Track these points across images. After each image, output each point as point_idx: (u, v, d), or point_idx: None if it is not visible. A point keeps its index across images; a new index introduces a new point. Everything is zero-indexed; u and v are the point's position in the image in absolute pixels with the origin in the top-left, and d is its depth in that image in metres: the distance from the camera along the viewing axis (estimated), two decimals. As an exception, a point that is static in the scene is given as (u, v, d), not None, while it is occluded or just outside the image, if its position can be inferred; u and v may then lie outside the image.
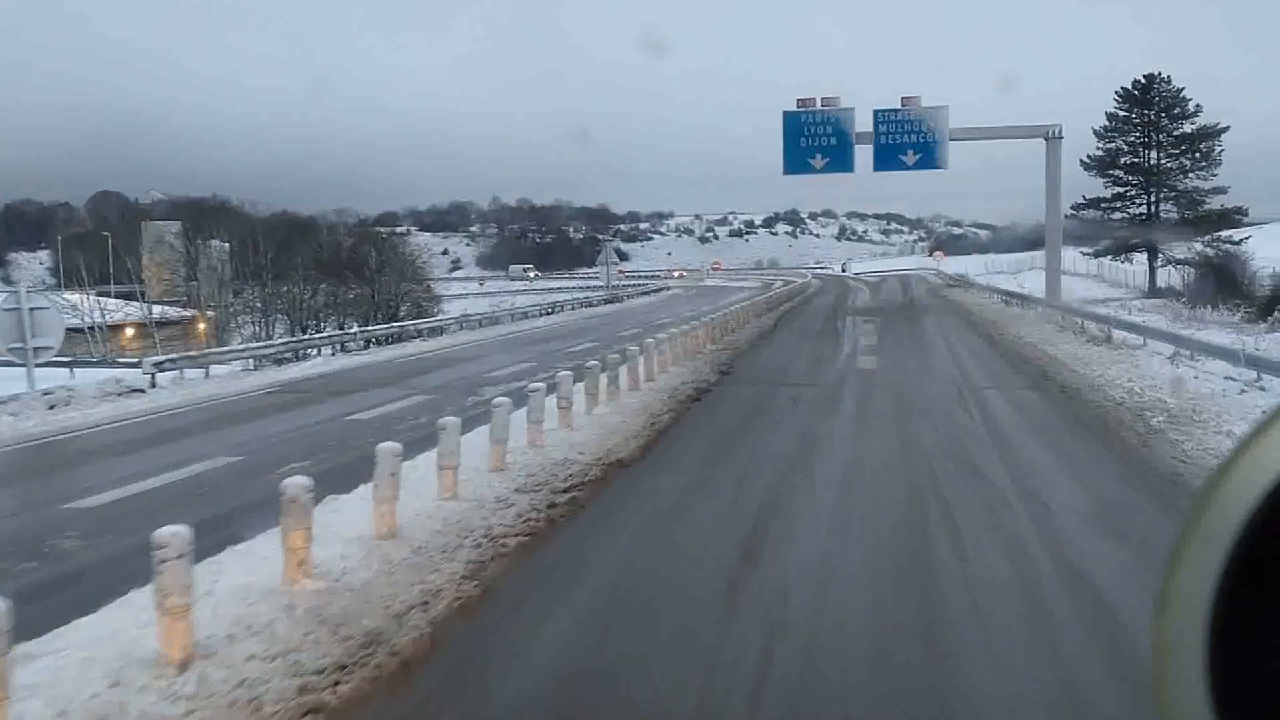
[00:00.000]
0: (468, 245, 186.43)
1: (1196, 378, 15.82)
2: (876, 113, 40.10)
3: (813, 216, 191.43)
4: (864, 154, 40.37)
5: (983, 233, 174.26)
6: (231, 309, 57.51)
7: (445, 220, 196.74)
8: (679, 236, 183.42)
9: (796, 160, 40.78)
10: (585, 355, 23.03)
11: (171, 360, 20.35)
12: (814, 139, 40.45)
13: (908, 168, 40.13)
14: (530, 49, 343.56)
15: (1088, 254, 55.59)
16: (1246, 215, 50.37)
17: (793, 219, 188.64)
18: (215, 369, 22.01)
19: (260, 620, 6.24)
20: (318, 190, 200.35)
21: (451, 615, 6.24)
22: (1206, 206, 49.93)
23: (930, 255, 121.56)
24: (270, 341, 27.02)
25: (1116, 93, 51.87)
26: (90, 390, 17.38)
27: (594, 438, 11.77)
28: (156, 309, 58.04)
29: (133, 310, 57.97)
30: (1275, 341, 23.26)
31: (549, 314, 41.84)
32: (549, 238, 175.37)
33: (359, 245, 64.46)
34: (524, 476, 9.90)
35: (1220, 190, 49.65)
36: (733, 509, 8.62)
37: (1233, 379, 15.48)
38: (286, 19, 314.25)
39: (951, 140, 39.63)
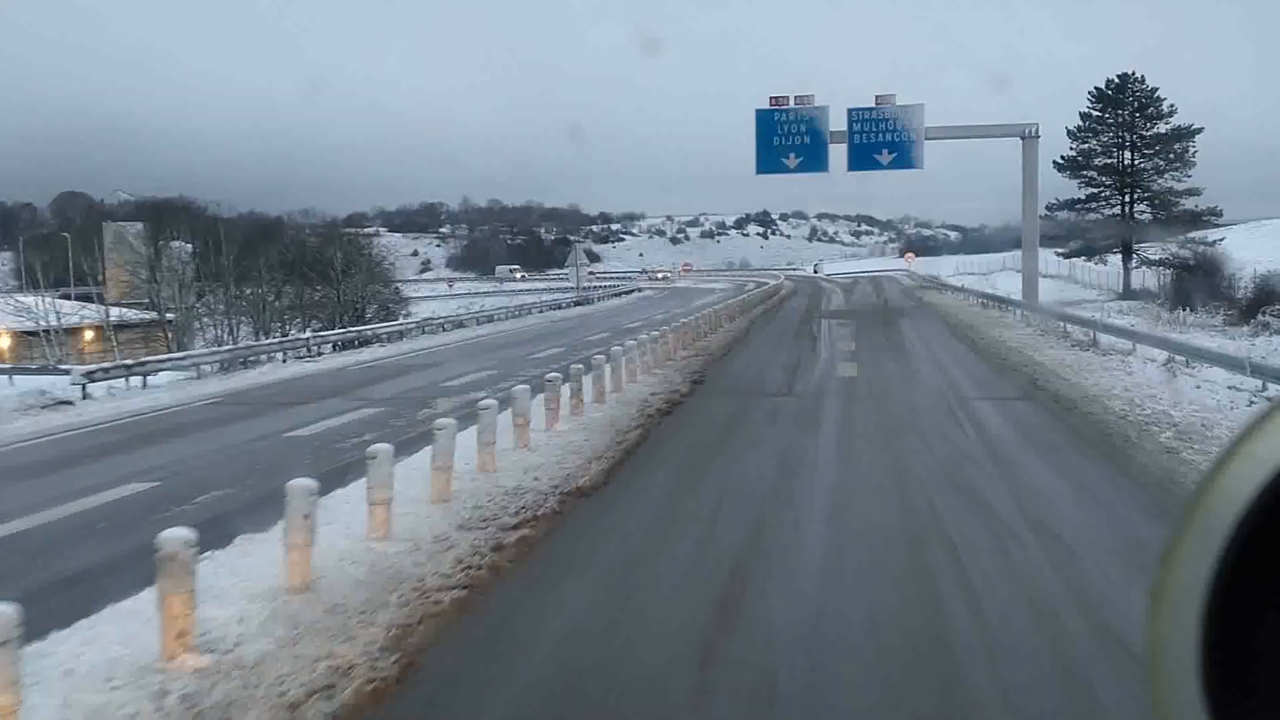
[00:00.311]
0: (438, 246, 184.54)
1: (1198, 387, 14.85)
2: (851, 111, 39.13)
3: (784, 218, 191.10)
4: (838, 153, 39.40)
5: (952, 234, 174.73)
6: (195, 311, 55.89)
7: (415, 221, 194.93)
8: (650, 238, 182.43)
9: (769, 160, 39.73)
10: (550, 362, 21.83)
11: (104, 369, 18.87)
12: (787, 138, 39.43)
13: (882, 167, 39.20)
14: (503, 51, 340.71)
15: (1061, 255, 54.96)
16: (1220, 216, 49.96)
17: (764, 220, 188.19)
18: (159, 377, 20.58)
19: (119, 715, 4.99)
20: (287, 191, 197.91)
21: (360, 704, 5.01)
22: (1181, 207, 49.40)
23: (901, 257, 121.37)
24: (215, 349, 25.50)
25: (1090, 93, 51.33)
26: (10, 403, 15.94)
27: (552, 459, 10.56)
28: (116, 311, 56.22)
29: (90, 313, 56.11)
30: (1271, 346, 22.46)
31: (516, 317, 40.52)
32: (520, 239, 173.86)
33: (324, 246, 63.01)
34: (470, 509, 8.68)
35: (1194, 191, 49.16)
36: (706, 553, 7.44)
37: (1236, 388, 14.53)
38: (260, 22, 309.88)
39: (927, 139, 38.72)
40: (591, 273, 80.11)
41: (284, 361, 23.74)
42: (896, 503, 9.11)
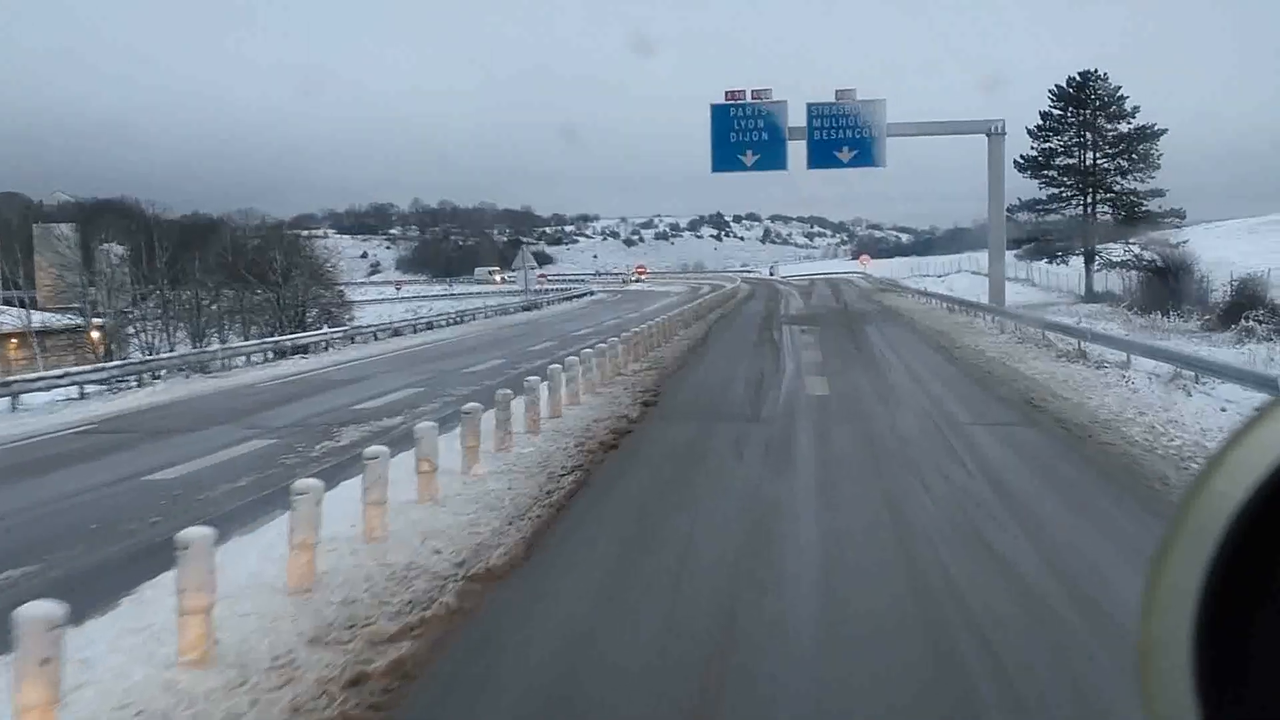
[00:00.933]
0: (387, 248, 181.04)
1: (1223, 409, 12.88)
2: (810, 106, 37.24)
3: (738, 219, 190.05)
4: (797, 151, 37.52)
5: (904, 237, 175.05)
6: (128, 316, 52.75)
7: (365, 223, 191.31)
8: (604, 239, 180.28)
9: (725, 157, 37.71)
10: (486, 376, 19.47)
11: (-41, 391, 16.16)
12: (744, 134, 37.44)
13: (843, 165, 37.36)
14: (456, 52, 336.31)
15: (1022, 256, 53.60)
16: (1184, 218, 48.86)
17: (718, 222, 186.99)
18: (36, 397, 17.89)
19: None
20: (236, 192, 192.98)
21: None
22: (1144, 209, 48.22)
23: (855, 259, 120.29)
24: (102, 364, 22.68)
25: (1051, 91, 49.99)
26: None
27: (462, 520, 8.22)
28: (40, 316, 52.75)
29: (9, 319, 52.55)
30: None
31: (458, 323, 37.99)
32: (471, 240, 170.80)
33: (264, 247, 60.04)
34: (336, 604, 6.33)
35: (1158, 193, 48.02)
36: (659, 673, 5.18)
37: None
38: (208, 21, 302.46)
39: (889, 136, 36.96)
40: (542, 275, 77.62)
41: (187, 378, 21.07)
42: (904, 569, 6.95)
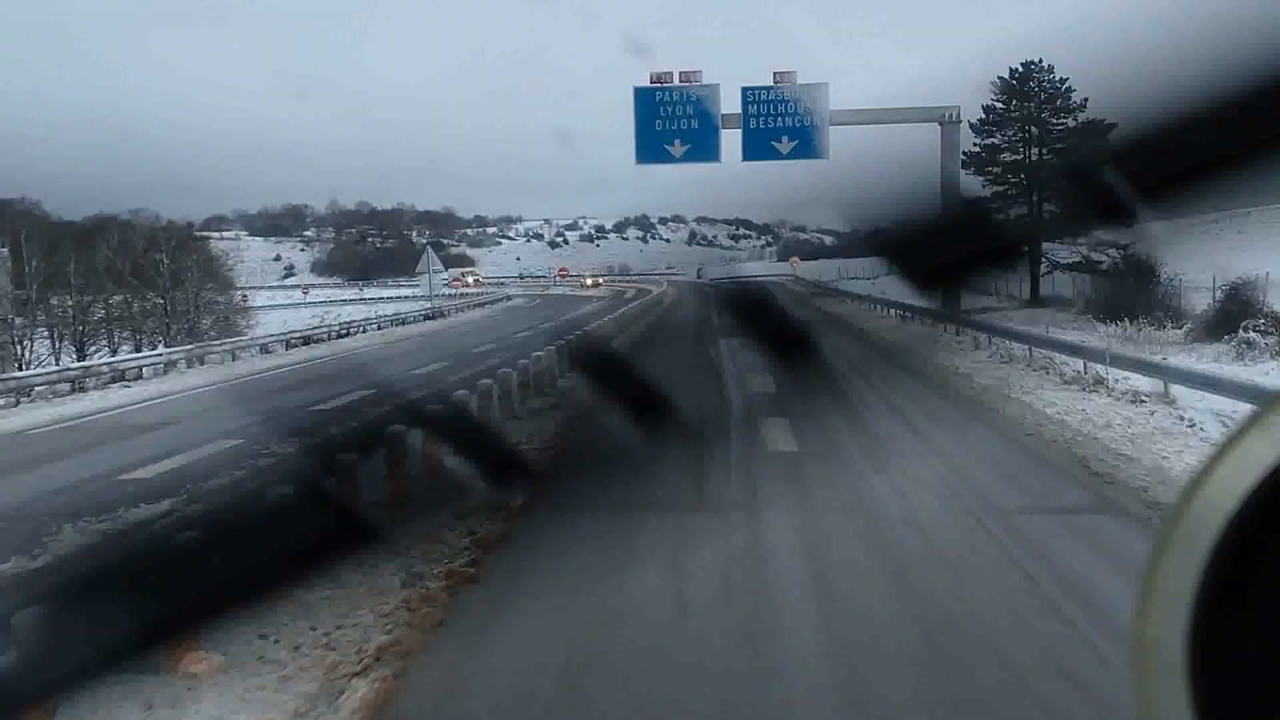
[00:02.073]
0: (302, 250, 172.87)
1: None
2: (745, 91, 32.78)
3: (663, 221, 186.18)
4: (731, 141, 33.01)
5: (827, 238, 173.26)
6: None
7: (279, 225, 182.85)
8: (528, 241, 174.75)
9: (651, 147, 33.02)
10: (333, 419, 14.42)
11: None
12: (672, 121, 32.79)
13: (782, 157, 32.93)
14: (372, 51, 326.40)
15: (966, 259, 50.02)
16: (1134, 217, 45.49)
17: (643, 224, 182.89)
18: None
19: None
20: (144, 193, 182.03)
21: None
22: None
23: (780, 261, 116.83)
24: None
25: (993, 83, 46.38)
26: None
27: None
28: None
29: None
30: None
31: (342, 337, 32.55)
32: (389, 242, 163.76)
33: (149, 250, 53.77)
34: None
35: (1106, 190, 44.64)
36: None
37: None
38: (108, 18, 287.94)
39: (833, 125, 32.67)
40: (457, 280, 72.05)
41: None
42: None
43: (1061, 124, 45.28)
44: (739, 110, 32.59)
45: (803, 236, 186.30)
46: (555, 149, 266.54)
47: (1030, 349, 19.53)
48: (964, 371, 18.07)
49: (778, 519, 8.43)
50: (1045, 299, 43.56)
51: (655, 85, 32.75)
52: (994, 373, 17.72)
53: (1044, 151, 45.69)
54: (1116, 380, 15.30)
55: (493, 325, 36.69)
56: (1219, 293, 27.29)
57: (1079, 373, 16.48)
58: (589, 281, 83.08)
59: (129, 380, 20.69)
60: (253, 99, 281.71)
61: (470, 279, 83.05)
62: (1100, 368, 16.04)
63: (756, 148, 32.72)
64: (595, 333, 24.66)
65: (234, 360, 25.50)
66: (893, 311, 34.57)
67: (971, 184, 48.29)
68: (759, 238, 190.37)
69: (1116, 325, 31.79)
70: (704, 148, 32.83)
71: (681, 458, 10.88)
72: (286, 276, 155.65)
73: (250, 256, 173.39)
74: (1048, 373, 17.23)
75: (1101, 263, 44.03)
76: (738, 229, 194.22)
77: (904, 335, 25.87)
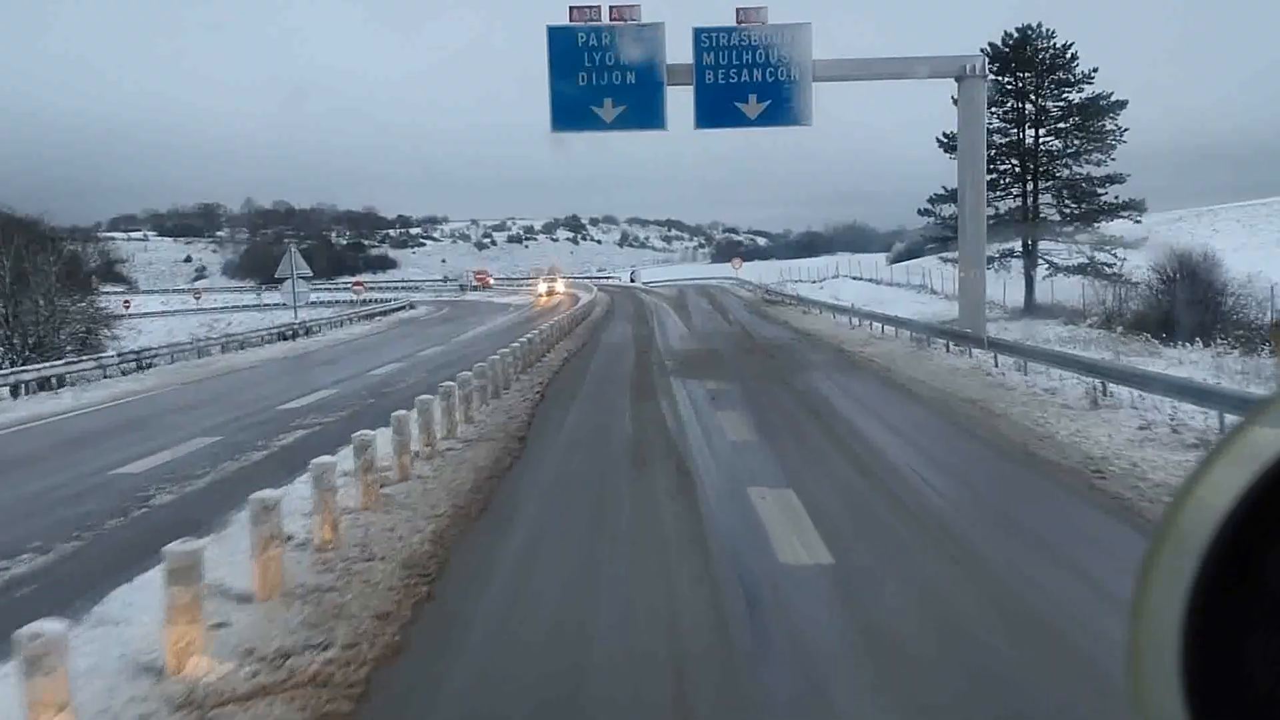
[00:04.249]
0: (214, 252, 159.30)
1: None
2: (699, 33, 23.43)
3: (594, 222, 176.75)
4: (682, 102, 23.68)
5: (761, 240, 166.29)
6: None
7: (191, 225, 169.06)
8: (454, 242, 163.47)
9: (572, 108, 23.51)
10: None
11: None
12: (600, 73, 23.33)
13: (749, 122, 23.64)
14: (282, 49, 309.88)
15: (949, 261, 41.40)
16: (1144, 211, 37.50)
17: (574, 225, 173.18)
18: None
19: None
20: (46, 194, 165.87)
21: None
22: (1099, 199, 36.69)
23: (714, 262, 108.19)
24: None
25: (984, 50, 37.74)
26: None
27: None
28: None
29: None
30: None
31: (142, 367, 22.33)
32: (307, 243, 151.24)
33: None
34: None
35: (1116, 179, 36.44)
36: None
37: None
38: (18, 13, 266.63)
39: (817, 81, 23.52)
40: (359, 283, 61.49)
41: None
42: None
43: (1064, 100, 37.08)
44: (691, 60, 23.30)
45: (735, 238, 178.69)
46: (482, 147, 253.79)
47: (1100, 384, 10.52)
48: (1028, 424, 8.92)
49: None
50: (1041, 307, 35.27)
51: (577, 24, 23.25)
52: (1063, 424, 8.61)
53: (1042, 132, 37.46)
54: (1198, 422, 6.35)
55: (360, 350, 26.68)
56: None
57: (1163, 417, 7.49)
58: (543, 290, 59.04)
59: None
60: (169, 92, 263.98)
61: (482, 281, 66.93)
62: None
63: (715, 110, 23.43)
64: (508, 360, 15.23)
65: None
66: (883, 328, 25.55)
67: (950, 171, 40.00)
68: (691, 239, 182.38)
69: (1146, 341, 23.48)
70: (644, 110, 23.43)
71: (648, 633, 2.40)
72: (198, 279, 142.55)
73: (159, 258, 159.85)
74: (1113, 412, 8.33)
75: (1110, 265, 35.89)
76: (670, 230, 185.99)
77: (917, 367, 16.69)
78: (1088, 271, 35.60)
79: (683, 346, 24.12)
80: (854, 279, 64.70)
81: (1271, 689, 0.60)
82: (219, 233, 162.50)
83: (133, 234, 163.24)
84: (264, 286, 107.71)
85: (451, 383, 12.29)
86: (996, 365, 17.37)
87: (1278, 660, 0.59)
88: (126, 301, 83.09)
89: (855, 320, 28.81)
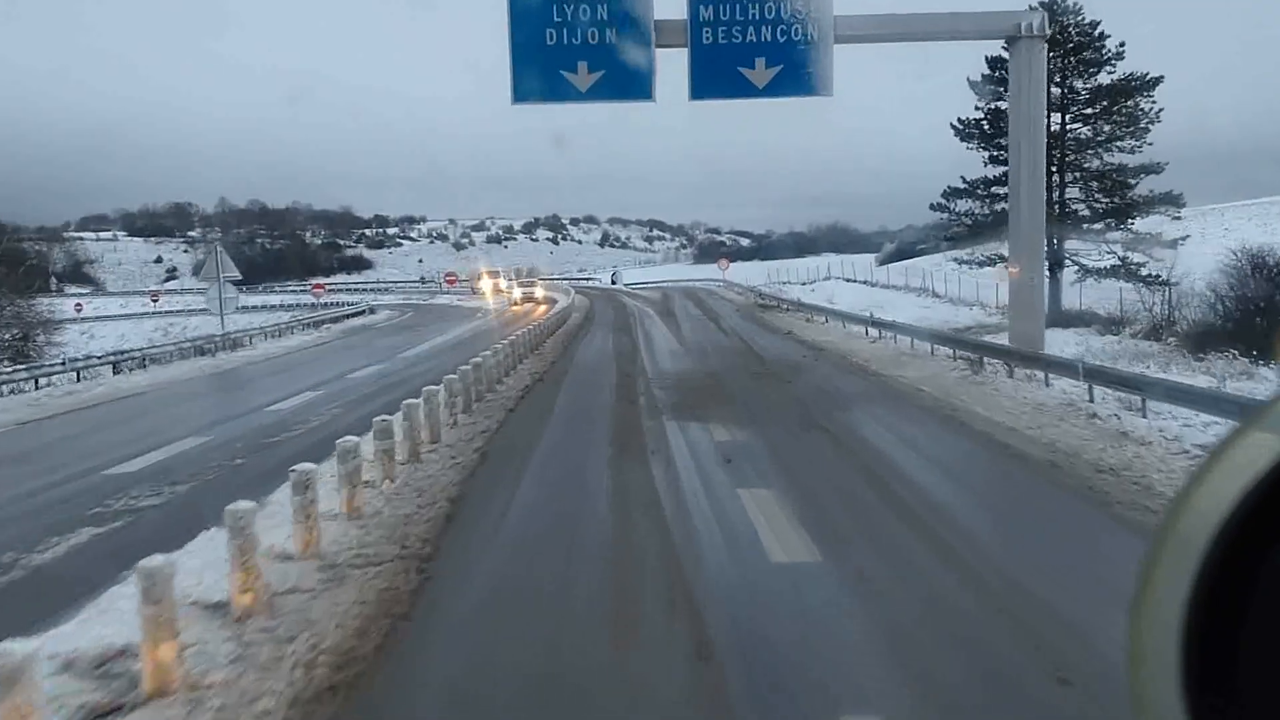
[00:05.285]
0: (185, 252, 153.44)
1: None
2: (695, -17, 18.77)
3: (575, 222, 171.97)
4: (674, 66, 19.03)
5: (743, 240, 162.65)
6: None
7: (162, 225, 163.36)
8: (432, 242, 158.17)
9: (538, 75, 18.80)
10: None
11: None
12: (573, 30, 18.63)
13: (756, 91, 18.96)
14: (265, 47, 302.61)
15: (965, 263, 36.92)
16: (1183, 205, 33.19)
17: (554, 225, 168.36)
18: None
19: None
20: (14, 193, 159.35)
21: None
22: (1133, 193, 32.30)
23: (702, 263, 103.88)
24: None
25: (1042, 3, 33.22)
26: None
27: None
28: None
29: None
30: None
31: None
32: (280, 243, 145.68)
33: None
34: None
35: (1151, 169, 32.03)
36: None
37: None
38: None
39: (839, 43, 18.93)
40: (319, 285, 56.49)
41: None
42: None
43: (1092, 82, 32.73)
44: (685, 15, 18.65)
45: (717, 238, 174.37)
46: (460, 146, 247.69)
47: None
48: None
49: None
50: (1070, 314, 30.90)
51: (544, -29, 18.52)
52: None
53: (1068, 118, 33.09)
54: None
55: (283, 370, 21.82)
56: None
57: None
58: (517, 296, 49.63)
59: None
60: (144, 91, 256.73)
61: (495, 281, 57.03)
62: None
63: (714, 77, 18.76)
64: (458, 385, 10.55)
65: None
66: (911, 342, 20.97)
67: (970, 161, 35.58)
68: (673, 239, 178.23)
69: (1224, 360, 19.30)
70: (626, 76, 18.73)
71: None
72: (169, 279, 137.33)
73: (130, 258, 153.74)
74: None
75: (1143, 265, 31.57)
76: (651, 230, 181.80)
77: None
78: (1122, 274, 31.30)
79: (675, 367, 19.38)
80: (847, 281, 60.46)
81: (1271, 690, 0.59)
82: (191, 233, 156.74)
83: (102, 234, 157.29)
84: (241, 288, 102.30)
85: (353, 439, 7.71)
86: (1091, 399, 12.86)
87: (1277, 661, 0.59)
88: (79, 304, 77.69)
89: (875, 331, 24.20)
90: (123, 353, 23.11)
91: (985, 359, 17.30)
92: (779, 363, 19.75)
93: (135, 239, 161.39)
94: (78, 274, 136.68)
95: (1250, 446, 0.59)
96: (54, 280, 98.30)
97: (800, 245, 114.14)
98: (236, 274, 27.36)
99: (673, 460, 10.02)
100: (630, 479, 9.21)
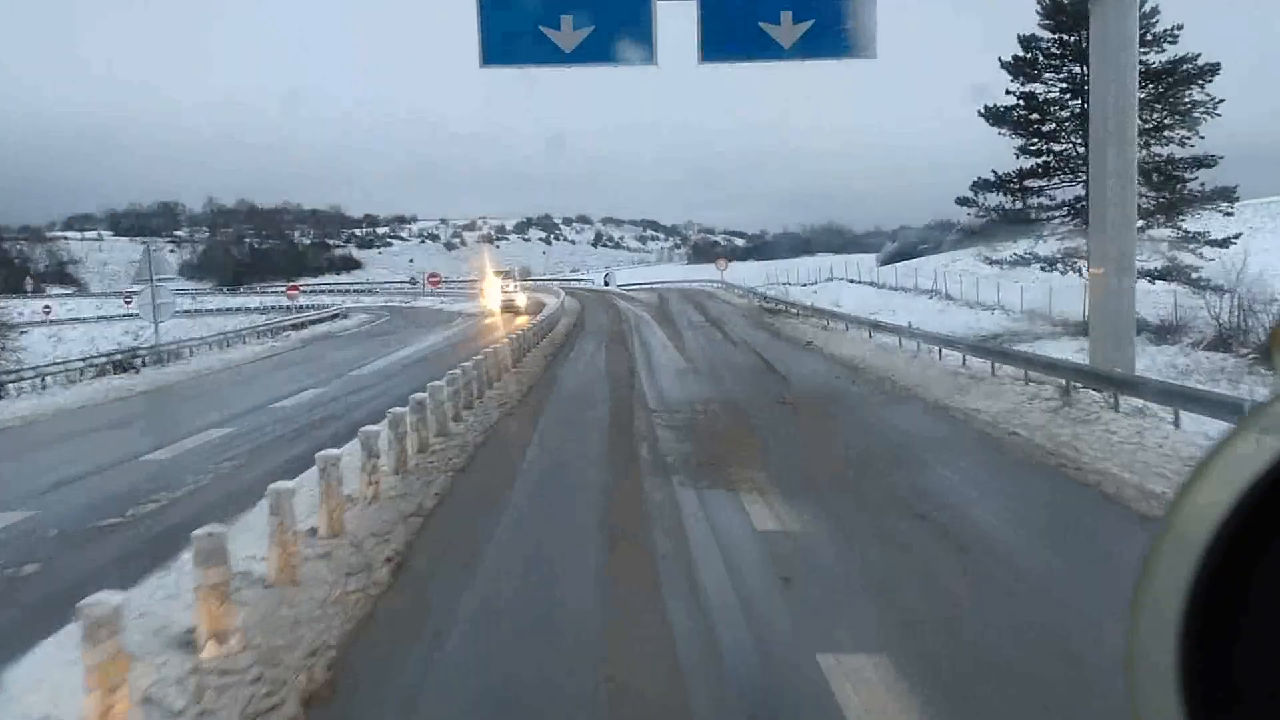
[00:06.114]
0: (172, 252, 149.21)
1: None
2: (705, -81, 14.88)
3: (568, 222, 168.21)
4: (678, 22, 15.18)
5: (738, 240, 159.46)
6: None
7: (149, 224, 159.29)
8: (422, 242, 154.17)
9: (514, 33, 14.91)
10: None
11: None
12: (555, -23, 14.80)
13: (783, 52, 15.07)
14: (252, 40, 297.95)
15: (994, 262, 33.18)
16: (1236, 200, 29.50)
17: (546, 224, 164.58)
18: None
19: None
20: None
21: None
22: (1186, 188, 28.58)
23: (696, 263, 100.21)
24: None
25: (1039, 2, 29.60)
26: None
27: None
28: None
29: None
30: None
31: None
32: (269, 242, 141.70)
33: None
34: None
35: (1206, 162, 28.28)
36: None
37: None
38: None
39: (881, -7, 15.06)
40: (294, 287, 52.47)
41: None
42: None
43: (1140, 64, 29.03)
44: (693, -41, 14.79)
45: (711, 238, 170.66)
46: (452, 145, 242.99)
47: None
48: None
49: None
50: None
51: (520, -98, 14.64)
52: None
53: (1112, 104, 29.37)
54: None
55: (208, 393, 17.95)
56: None
57: None
58: (495, 306, 43.10)
59: None
60: (129, 90, 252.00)
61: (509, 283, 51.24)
62: None
63: (730, 35, 14.92)
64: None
65: None
66: (964, 359, 17.07)
67: (1000, 150, 31.87)
68: (667, 239, 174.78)
69: None
70: (621, 34, 14.89)
71: None
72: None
73: (115, 258, 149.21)
74: None
75: (1197, 269, 27.89)
76: (645, 230, 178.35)
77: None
78: (1173, 276, 27.64)
79: (682, 394, 15.42)
80: (851, 282, 56.81)
81: (1270, 690, 0.59)
82: (178, 232, 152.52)
83: (87, 233, 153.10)
84: (226, 288, 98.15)
85: (218, 532, 3.86)
86: (1153, 422, 9.10)
87: (1276, 661, 0.59)
88: (47, 307, 73.47)
89: (911, 344, 20.32)
90: (10, 372, 19.08)
91: (1072, 384, 13.48)
92: (809, 386, 15.91)
93: (121, 238, 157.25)
94: (62, 274, 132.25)
95: (1251, 445, 0.58)
96: (29, 281, 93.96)
97: (795, 246, 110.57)
98: (172, 275, 23.41)
99: (698, 579, 6.18)
100: (634, 622, 5.38)
